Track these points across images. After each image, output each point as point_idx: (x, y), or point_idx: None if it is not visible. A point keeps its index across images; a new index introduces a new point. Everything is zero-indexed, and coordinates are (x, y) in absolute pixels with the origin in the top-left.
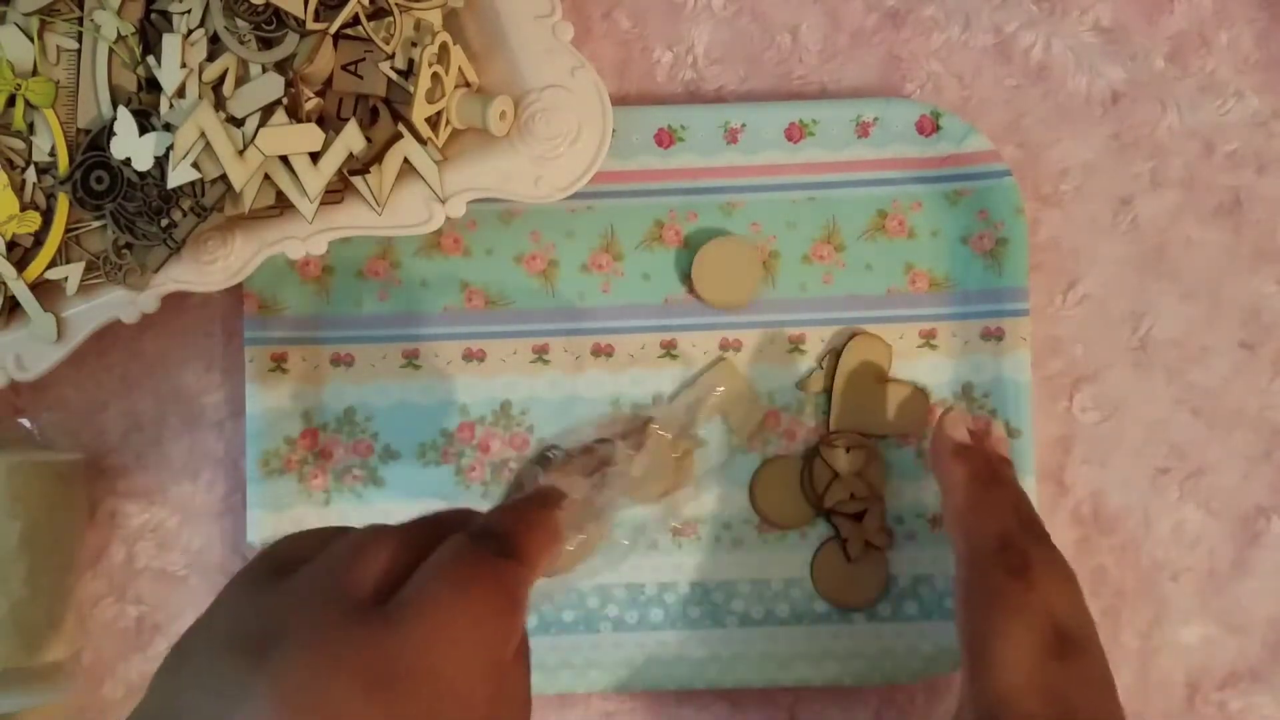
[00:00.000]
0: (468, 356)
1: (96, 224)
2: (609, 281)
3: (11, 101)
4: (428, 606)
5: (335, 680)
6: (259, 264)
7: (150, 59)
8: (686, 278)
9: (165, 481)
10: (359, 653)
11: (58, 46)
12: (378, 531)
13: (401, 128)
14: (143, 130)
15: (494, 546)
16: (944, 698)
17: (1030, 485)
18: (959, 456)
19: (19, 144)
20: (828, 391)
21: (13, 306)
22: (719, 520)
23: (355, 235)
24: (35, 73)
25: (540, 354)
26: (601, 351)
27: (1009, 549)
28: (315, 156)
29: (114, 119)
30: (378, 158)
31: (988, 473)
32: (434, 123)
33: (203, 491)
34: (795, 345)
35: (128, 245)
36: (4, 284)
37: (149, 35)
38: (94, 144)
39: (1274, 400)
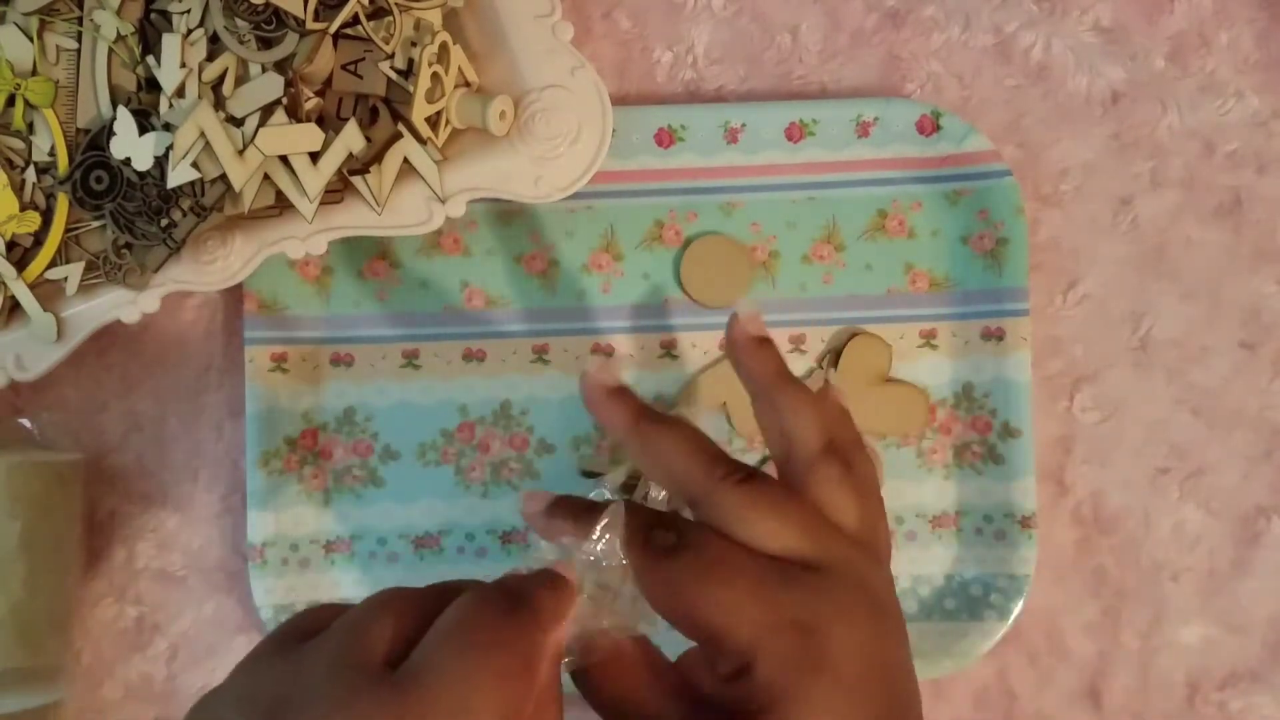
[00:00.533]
0: (468, 356)
1: (96, 224)
2: (609, 281)
3: (11, 101)
4: (435, 671)
5: None
6: (259, 264)
7: (150, 59)
8: None
9: (165, 481)
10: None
11: (57, 46)
12: (391, 595)
13: (401, 127)
14: (142, 130)
15: (504, 603)
16: (945, 697)
17: (1030, 485)
18: (765, 345)
19: (19, 144)
20: None
21: (13, 306)
22: None
23: (355, 235)
24: (35, 72)
25: (540, 354)
26: (601, 351)
27: (801, 388)
28: (315, 156)
29: (114, 119)
30: (377, 158)
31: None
32: (434, 123)
33: (203, 491)
34: (795, 345)
35: (127, 245)
36: (4, 284)
37: (148, 35)
38: (94, 144)
39: (1274, 400)
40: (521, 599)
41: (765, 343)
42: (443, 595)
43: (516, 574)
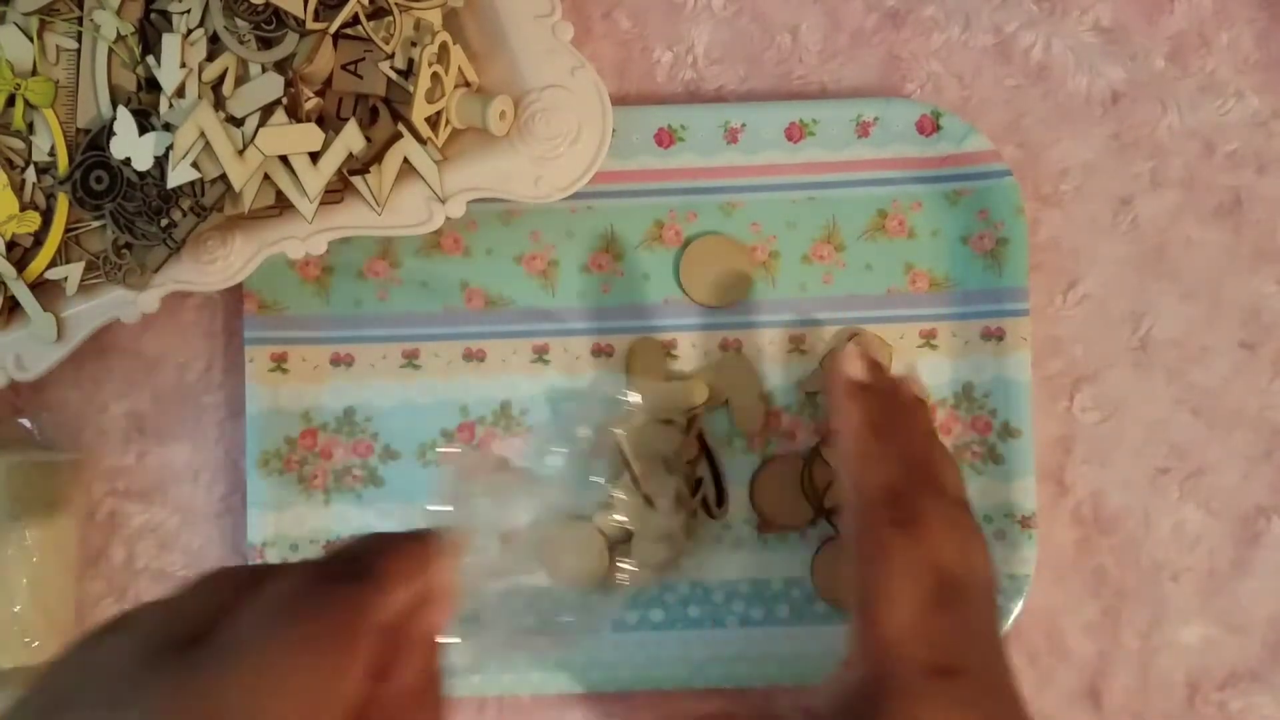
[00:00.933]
0: (468, 356)
1: (96, 224)
2: (609, 281)
3: (11, 101)
4: (235, 643)
5: None
6: (259, 264)
7: (150, 59)
8: None
9: (165, 481)
10: (152, 706)
11: (57, 46)
12: (217, 573)
13: (401, 127)
14: (142, 130)
15: (328, 569)
16: None
17: (1030, 485)
18: (853, 397)
19: (19, 144)
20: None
21: (13, 306)
22: (719, 520)
23: (355, 235)
24: (35, 72)
25: (540, 354)
26: (601, 351)
27: (897, 501)
28: (315, 156)
29: (114, 119)
30: (377, 158)
31: (883, 418)
32: (434, 123)
33: (203, 491)
34: (795, 345)
35: (127, 245)
36: (4, 284)
37: (148, 35)
38: (93, 144)
39: (1274, 400)
40: (352, 564)
41: (859, 390)
42: (273, 571)
43: (354, 540)
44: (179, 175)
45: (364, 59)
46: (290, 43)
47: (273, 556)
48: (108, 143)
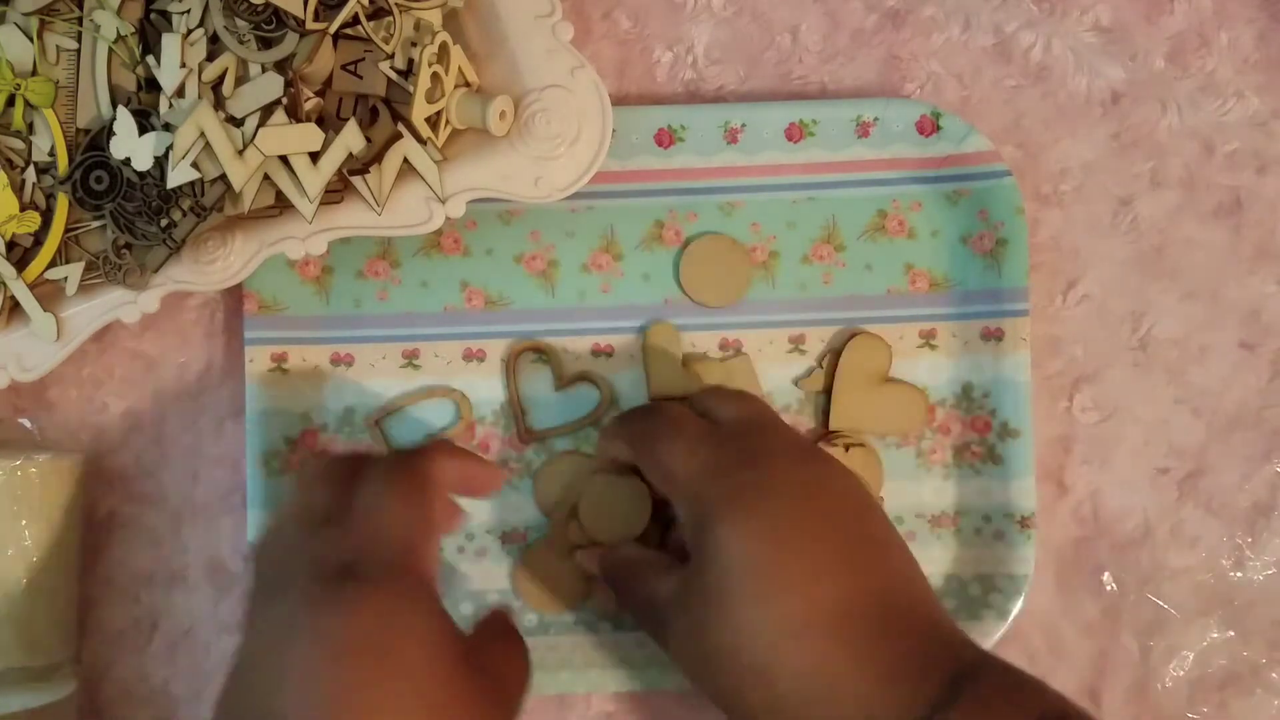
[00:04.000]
0: (468, 356)
1: (96, 224)
2: (609, 281)
3: (11, 101)
4: (364, 507)
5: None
6: (259, 264)
7: (150, 59)
8: None
9: (165, 481)
10: (313, 557)
11: (57, 46)
12: (329, 462)
13: (401, 128)
14: (142, 130)
15: (410, 452)
16: None
17: (1030, 485)
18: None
19: (19, 144)
20: (827, 391)
21: (13, 306)
22: None
23: (355, 235)
24: (35, 73)
25: (540, 354)
26: (601, 351)
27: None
28: (315, 156)
29: (113, 119)
30: (377, 158)
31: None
32: (434, 123)
33: (202, 491)
34: (795, 345)
35: (127, 245)
36: (4, 284)
37: (148, 35)
38: (93, 144)
39: (1274, 400)
40: (416, 450)
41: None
42: (365, 460)
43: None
44: (179, 175)
45: (364, 59)
46: (290, 43)
47: None
48: (108, 143)
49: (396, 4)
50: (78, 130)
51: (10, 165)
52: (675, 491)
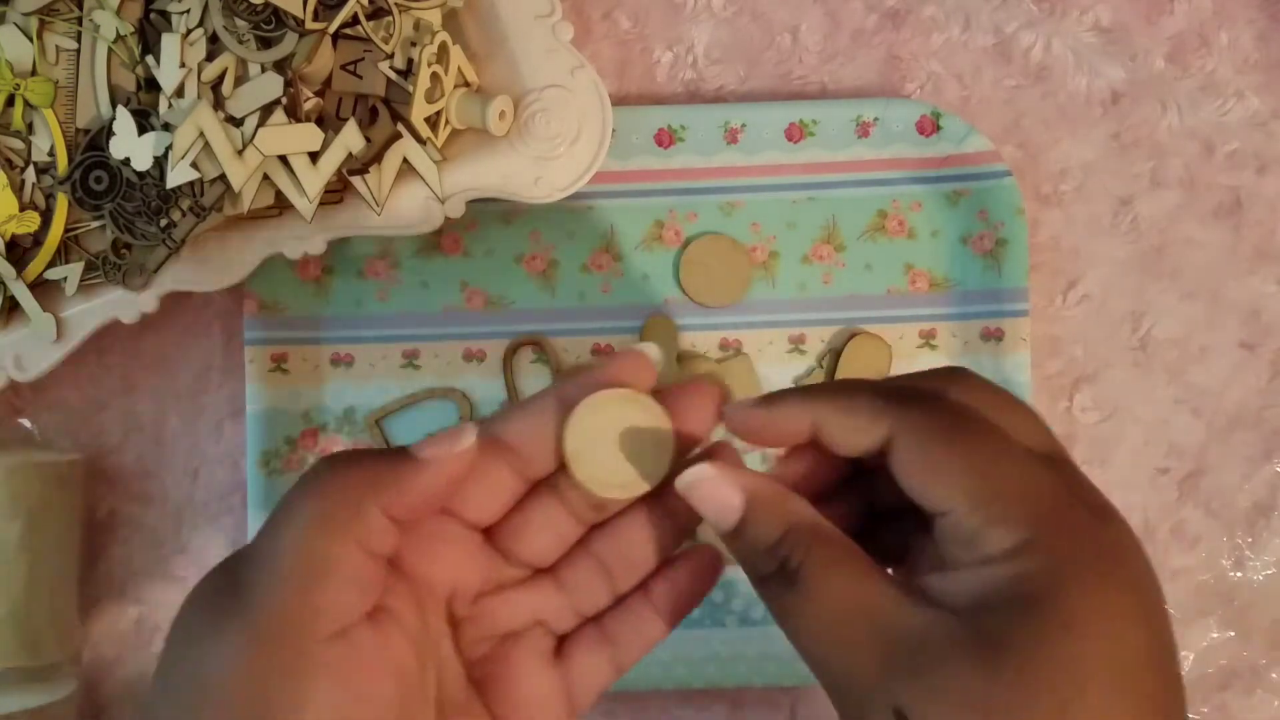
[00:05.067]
0: (468, 356)
1: (96, 224)
2: (609, 281)
3: (11, 101)
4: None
5: None
6: (259, 264)
7: (149, 59)
8: None
9: (165, 481)
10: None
11: (57, 46)
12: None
13: (401, 127)
14: (142, 130)
15: (343, 455)
16: None
17: None
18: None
19: (18, 144)
20: None
21: (12, 306)
22: None
23: (355, 235)
24: (34, 73)
25: (540, 354)
26: (601, 351)
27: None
28: (314, 156)
29: (113, 119)
30: (377, 158)
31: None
32: (433, 123)
33: (202, 492)
34: (795, 345)
35: (127, 245)
36: (4, 284)
37: (148, 35)
38: (93, 144)
39: (1274, 400)
40: (366, 454)
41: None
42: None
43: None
44: (178, 175)
45: (363, 59)
46: (290, 43)
47: None
48: (107, 143)
49: (396, 4)
50: (77, 130)
51: (10, 165)
52: (992, 515)
